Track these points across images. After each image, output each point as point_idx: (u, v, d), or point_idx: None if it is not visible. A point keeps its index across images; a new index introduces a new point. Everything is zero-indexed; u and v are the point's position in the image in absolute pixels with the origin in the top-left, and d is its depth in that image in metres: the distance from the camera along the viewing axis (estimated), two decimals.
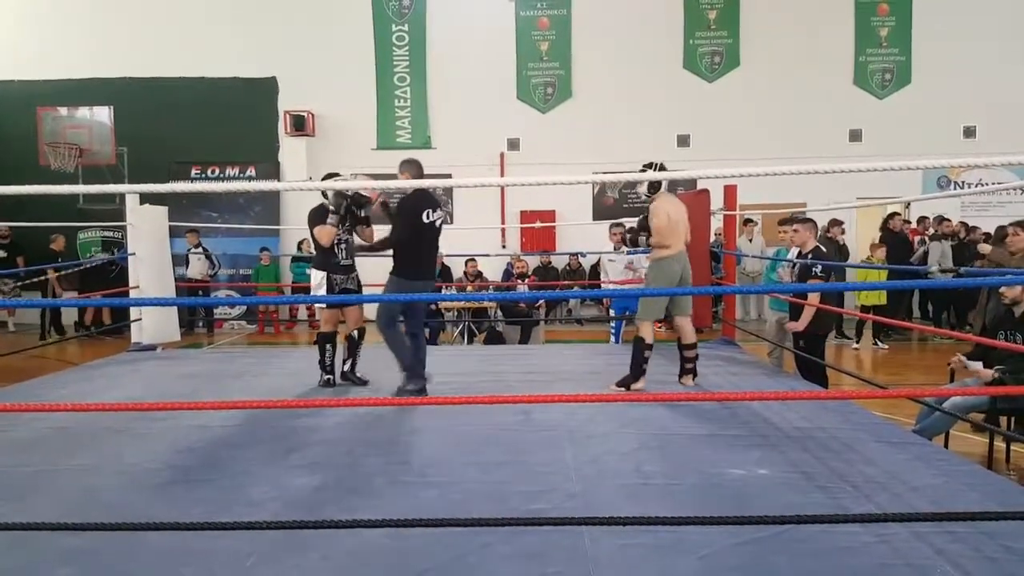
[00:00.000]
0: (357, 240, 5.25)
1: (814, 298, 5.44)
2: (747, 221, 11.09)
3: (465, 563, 2.56)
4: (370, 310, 5.36)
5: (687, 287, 5.07)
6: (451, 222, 12.40)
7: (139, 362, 6.62)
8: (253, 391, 5.34)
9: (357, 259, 5.30)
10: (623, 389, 5.00)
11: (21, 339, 9.84)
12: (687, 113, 12.55)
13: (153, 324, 7.17)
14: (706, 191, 6.67)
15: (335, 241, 5.05)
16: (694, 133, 12.61)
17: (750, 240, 11.28)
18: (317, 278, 5.13)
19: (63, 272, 11.06)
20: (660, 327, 10.47)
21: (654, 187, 5.06)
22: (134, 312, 7.48)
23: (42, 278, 10.80)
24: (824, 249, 5.82)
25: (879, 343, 9.51)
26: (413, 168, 4.85)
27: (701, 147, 12.40)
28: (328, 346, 5.26)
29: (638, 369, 4.99)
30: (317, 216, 5.06)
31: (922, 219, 11.46)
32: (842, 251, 9.98)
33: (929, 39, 12.44)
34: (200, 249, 11.50)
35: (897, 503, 3.02)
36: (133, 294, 7.09)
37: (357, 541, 2.70)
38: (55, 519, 2.73)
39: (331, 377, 5.29)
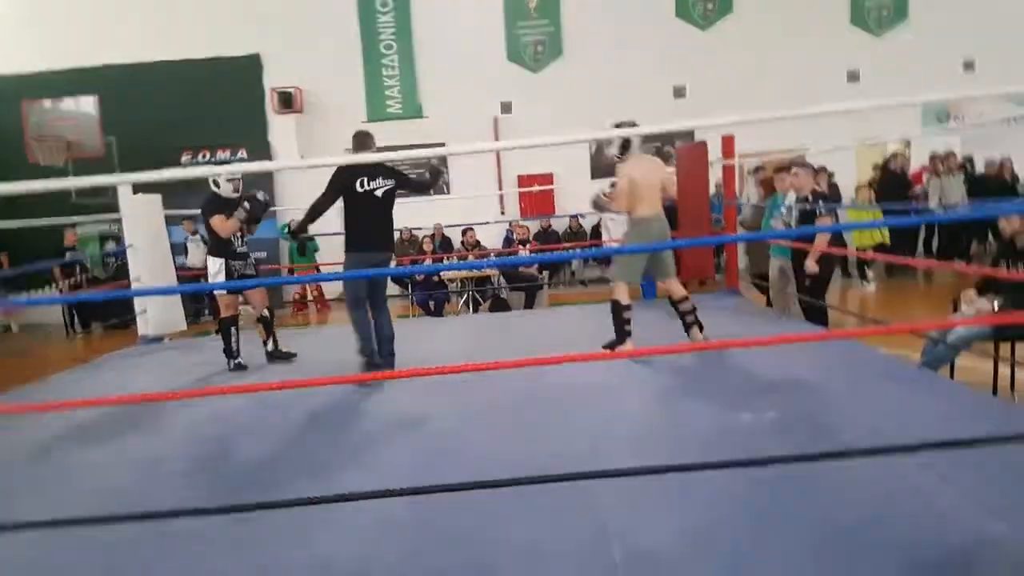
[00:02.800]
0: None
1: (822, 239, 5.38)
2: (756, 169, 10.91)
3: (480, 525, 2.58)
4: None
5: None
6: (447, 192, 12.33)
7: (147, 355, 6.62)
8: (264, 375, 5.34)
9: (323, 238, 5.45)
10: (609, 350, 4.93)
11: (28, 340, 9.85)
12: (682, 64, 12.33)
13: (158, 315, 7.10)
14: (704, 143, 6.60)
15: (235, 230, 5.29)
16: (690, 84, 12.40)
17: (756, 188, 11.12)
18: (215, 265, 5.33)
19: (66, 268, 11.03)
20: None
21: (624, 148, 4.93)
22: (138, 304, 7.42)
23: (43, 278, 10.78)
24: (820, 190, 5.77)
25: (865, 282, 9.48)
26: (354, 141, 4.78)
27: (698, 98, 12.20)
28: (233, 330, 5.44)
29: (622, 331, 4.90)
30: (213, 206, 5.24)
31: (933, 157, 11.29)
32: (832, 197, 9.90)
33: None
34: (197, 236, 11.46)
35: (904, 435, 3.02)
36: (135, 287, 7.07)
37: (377, 512, 2.73)
38: (76, 514, 2.76)
39: (240, 360, 5.44)
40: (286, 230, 5.28)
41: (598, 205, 5.17)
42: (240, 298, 5.60)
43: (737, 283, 7.19)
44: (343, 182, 4.61)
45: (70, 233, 11.32)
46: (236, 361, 5.44)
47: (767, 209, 6.48)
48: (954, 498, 2.48)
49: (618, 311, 4.89)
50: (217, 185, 5.28)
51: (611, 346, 4.93)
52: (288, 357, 5.58)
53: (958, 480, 2.58)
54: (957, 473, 2.63)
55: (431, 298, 9.44)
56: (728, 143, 6.94)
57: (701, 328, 5.05)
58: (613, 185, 5.11)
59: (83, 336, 10.66)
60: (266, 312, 5.55)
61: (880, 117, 10.94)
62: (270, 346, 5.59)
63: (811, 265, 5.41)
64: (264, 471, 3.33)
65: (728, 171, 7.13)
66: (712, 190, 7.38)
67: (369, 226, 4.70)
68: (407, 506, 2.75)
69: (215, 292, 5.76)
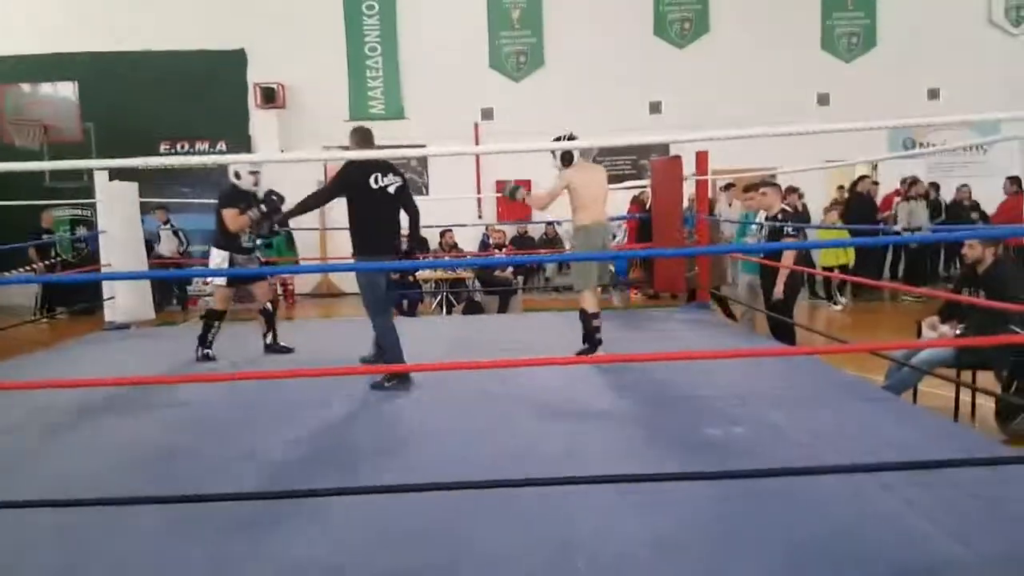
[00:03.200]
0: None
1: (788, 259, 5.52)
2: (728, 186, 11.13)
3: (451, 526, 2.61)
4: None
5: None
6: (427, 193, 12.38)
7: (113, 341, 6.58)
8: (232, 365, 5.31)
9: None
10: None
11: None
12: (658, 80, 12.54)
13: (127, 302, 7.09)
14: (678, 157, 6.75)
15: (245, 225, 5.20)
16: (665, 100, 12.61)
17: (729, 205, 11.36)
18: (219, 257, 5.24)
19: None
20: (636, 293, 10.68)
21: (566, 159, 4.99)
22: (107, 291, 7.37)
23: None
24: (789, 210, 5.94)
25: (833, 304, 9.71)
26: (356, 136, 4.45)
27: (673, 113, 12.41)
28: (216, 323, 5.43)
29: (592, 339, 4.96)
30: (229, 198, 5.14)
31: (904, 180, 11.59)
32: (801, 216, 10.15)
33: (894, 2, 12.53)
34: (169, 226, 11.38)
35: (868, 456, 3.09)
36: (104, 272, 7.04)
37: (344, 510, 2.74)
38: (38, 497, 2.78)
39: (209, 352, 5.41)
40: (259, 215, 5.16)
41: (513, 195, 5.20)
42: (232, 294, 5.60)
43: (708, 297, 7.34)
44: (354, 178, 4.32)
45: (47, 215, 11.19)
46: (205, 352, 5.40)
47: (739, 226, 6.65)
48: (917, 519, 2.53)
49: (587, 320, 4.96)
50: (238, 176, 5.16)
51: (584, 354, 4.98)
52: (285, 351, 5.54)
53: (920, 501, 2.64)
54: (920, 494, 2.69)
55: (404, 297, 9.46)
56: (702, 159, 7.10)
57: (594, 348, 5.03)
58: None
59: (48, 320, 10.49)
60: (268, 305, 5.55)
61: (848, 141, 11.20)
62: (269, 339, 5.57)
63: (779, 291, 5.55)
64: (225, 463, 3.32)
65: (702, 186, 7.29)
66: (685, 204, 7.53)
67: (382, 226, 4.41)
68: (373, 505, 2.77)
69: (214, 283, 5.67)
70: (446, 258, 9.77)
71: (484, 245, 11.20)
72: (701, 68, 12.46)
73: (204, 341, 5.42)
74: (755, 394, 4.11)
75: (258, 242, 5.47)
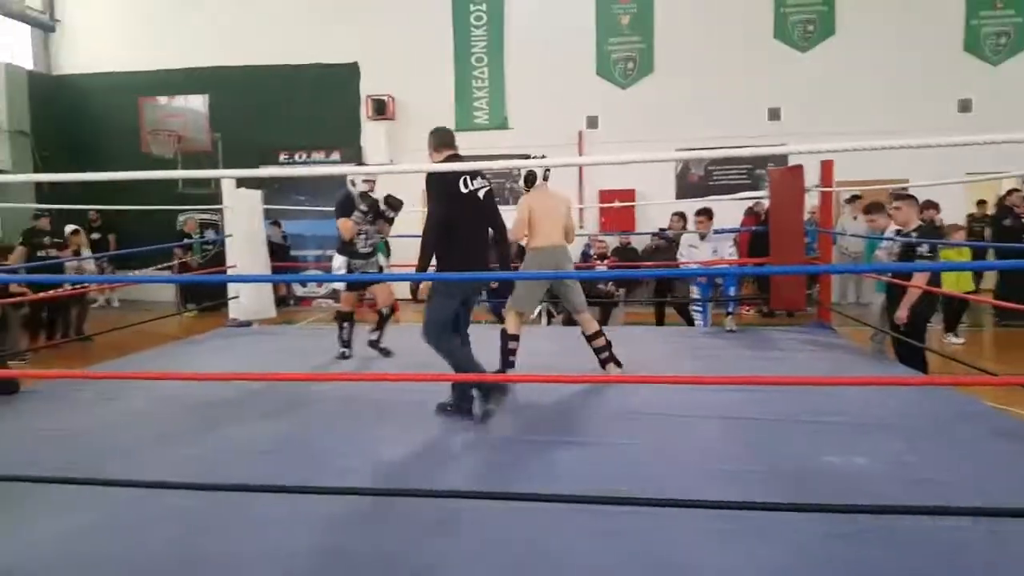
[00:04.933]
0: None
1: (919, 280, 5.07)
2: (852, 198, 10.46)
3: (545, 540, 2.54)
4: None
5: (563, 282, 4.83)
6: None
7: (236, 337, 7.04)
8: (345, 364, 5.57)
9: None
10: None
11: (134, 316, 10.38)
12: (778, 85, 11.96)
13: (250, 301, 7.52)
14: (800, 167, 6.34)
15: (356, 232, 5.36)
16: (785, 106, 12.01)
17: (854, 218, 10.68)
18: (338, 262, 5.49)
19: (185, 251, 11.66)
20: (749, 310, 10.19)
21: (529, 180, 4.91)
22: (231, 290, 7.88)
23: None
24: (927, 227, 5.46)
25: (953, 336, 8.43)
26: (435, 138, 4.08)
27: (793, 121, 11.79)
28: (346, 324, 5.70)
29: (506, 360, 4.73)
30: (342, 208, 5.28)
31: None
32: (939, 233, 9.33)
33: None
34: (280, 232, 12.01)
35: (1008, 498, 2.77)
36: (230, 273, 7.54)
37: (442, 510, 2.75)
38: (164, 480, 2.92)
39: (347, 351, 5.67)
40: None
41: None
42: (358, 296, 5.90)
43: (829, 317, 6.86)
44: (447, 183, 3.84)
45: (190, 221, 12.00)
46: (343, 351, 5.68)
47: (867, 242, 6.17)
48: None
49: (505, 341, 4.77)
50: (354, 184, 5.34)
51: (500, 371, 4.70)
52: (385, 353, 5.71)
53: None
54: None
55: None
56: (827, 169, 6.66)
57: (618, 364, 4.87)
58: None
59: (192, 314, 11.23)
60: (386, 309, 5.77)
61: (993, 152, 10.30)
62: (375, 336, 5.77)
63: (901, 315, 5.10)
64: (331, 457, 3.42)
65: (826, 199, 6.84)
66: (806, 216, 7.10)
67: (472, 237, 3.93)
68: (468, 509, 2.76)
69: (337, 287, 6.09)
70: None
71: (586, 256, 11.01)
72: (825, 73, 11.79)
73: (341, 341, 5.70)
74: (881, 423, 3.79)
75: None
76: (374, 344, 5.76)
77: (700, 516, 2.62)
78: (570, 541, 2.53)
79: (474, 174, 3.95)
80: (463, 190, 3.87)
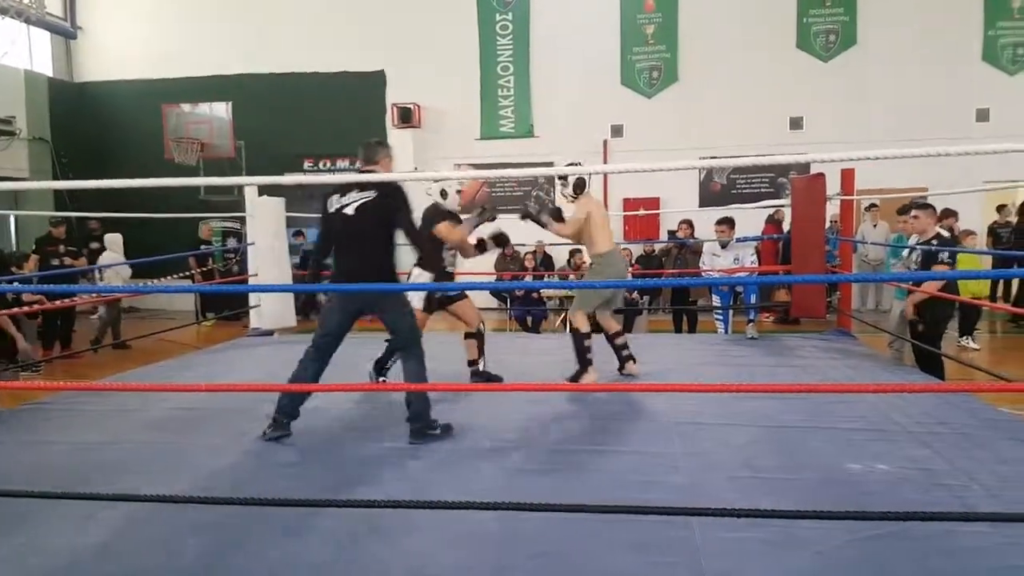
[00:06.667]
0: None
1: (931, 285, 5.15)
2: (871, 206, 10.49)
3: (573, 549, 2.58)
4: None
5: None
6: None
7: (257, 347, 6.97)
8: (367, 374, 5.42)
9: None
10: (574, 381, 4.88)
11: (154, 324, 10.54)
12: (800, 95, 12.00)
13: (271, 310, 7.45)
14: (821, 175, 6.39)
15: (446, 247, 4.71)
16: (807, 115, 12.04)
17: (874, 226, 10.70)
18: (424, 277, 4.66)
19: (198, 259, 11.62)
20: (768, 318, 10.20)
21: (579, 187, 5.02)
22: (252, 299, 7.81)
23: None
24: (946, 236, 5.50)
25: (969, 340, 8.45)
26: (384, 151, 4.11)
27: (815, 130, 11.83)
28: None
29: (584, 360, 4.89)
30: (438, 214, 4.68)
31: None
32: (956, 242, 9.29)
33: None
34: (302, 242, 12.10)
35: None
36: (252, 282, 7.38)
37: (468, 523, 2.76)
38: (186, 494, 2.95)
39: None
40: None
41: (534, 217, 5.07)
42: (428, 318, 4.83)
43: (849, 324, 6.89)
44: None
45: (206, 227, 11.87)
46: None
47: (888, 250, 6.21)
48: None
49: (580, 340, 4.91)
50: (444, 196, 4.72)
51: (575, 377, 4.89)
52: (495, 379, 4.97)
53: None
54: None
55: (529, 314, 9.52)
56: (848, 177, 6.69)
57: (634, 361, 5.12)
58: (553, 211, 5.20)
59: (207, 324, 11.26)
60: (481, 327, 5.03)
61: (1011, 161, 10.27)
62: (481, 365, 4.99)
63: (908, 311, 5.26)
64: (360, 468, 3.44)
65: (846, 207, 6.88)
66: (827, 224, 7.13)
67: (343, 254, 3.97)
68: (496, 521, 2.78)
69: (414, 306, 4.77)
70: (571, 278, 9.73)
71: None
72: (847, 82, 11.83)
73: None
74: (902, 430, 3.83)
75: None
76: (481, 373, 5.00)
77: (724, 524, 2.66)
78: (598, 551, 2.55)
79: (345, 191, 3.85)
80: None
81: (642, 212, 11.40)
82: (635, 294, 9.16)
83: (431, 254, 4.58)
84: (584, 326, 4.94)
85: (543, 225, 5.04)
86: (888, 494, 2.98)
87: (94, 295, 8.44)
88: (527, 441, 3.84)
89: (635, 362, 5.15)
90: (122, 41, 13.99)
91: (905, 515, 2.63)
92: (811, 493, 3.02)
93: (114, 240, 9.72)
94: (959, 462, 3.33)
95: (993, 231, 10.61)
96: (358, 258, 3.81)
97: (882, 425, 3.90)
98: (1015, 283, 10.30)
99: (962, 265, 8.12)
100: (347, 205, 3.79)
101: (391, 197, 3.78)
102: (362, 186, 3.83)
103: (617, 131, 12.58)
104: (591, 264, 5.15)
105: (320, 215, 3.93)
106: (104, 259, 9.40)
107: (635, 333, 8.61)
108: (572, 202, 5.09)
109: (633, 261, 10.10)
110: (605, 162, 12.21)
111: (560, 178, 5.18)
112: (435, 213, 4.71)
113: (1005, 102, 11.49)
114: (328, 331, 3.88)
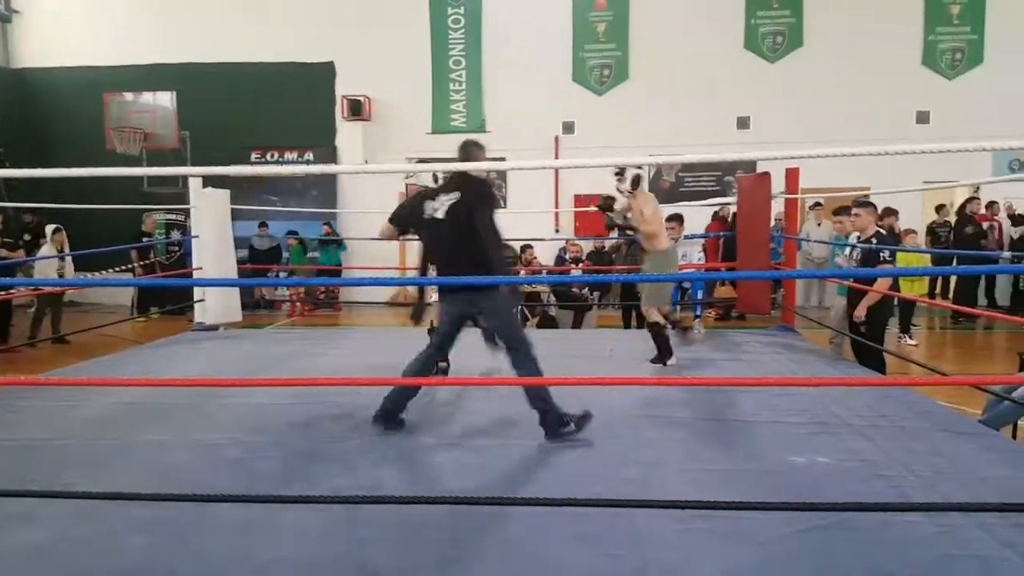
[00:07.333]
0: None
1: (881, 284, 5.28)
2: (815, 204, 10.79)
3: (520, 543, 2.58)
4: None
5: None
6: (504, 206, 12.42)
7: (202, 341, 6.82)
8: (314, 370, 5.42)
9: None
10: (660, 364, 5.34)
11: (93, 318, 10.21)
12: (747, 95, 12.24)
13: (216, 305, 7.32)
14: (767, 174, 6.53)
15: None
16: (754, 115, 12.30)
17: (818, 224, 10.98)
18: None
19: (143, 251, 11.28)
20: (712, 314, 10.40)
21: (636, 183, 5.31)
22: (197, 293, 7.66)
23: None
24: (885, 233, 5.68)
25: (907, 337, 8.72)
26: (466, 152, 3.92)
27: (761, 129, 12.10)
28: None
29: (667, 347, 5.34)
30: (492, 198, 4.21)
31: (991, 204, 11.11)
32: (897, 240, 9.64)
33: (1003, 16, 11.90)
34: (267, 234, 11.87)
35: (962, 493, 2.92)
36: (196, 275, 7.30)
37: (414, 516, 2.76)
38: (129, 491, 2.86)
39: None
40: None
41: (616, 221, 5.55)
42: None
43: (793, 320, 7.06)
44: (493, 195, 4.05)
45: (149, 220, 11.64)
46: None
47: (832, 247, 6.38)
48: (1017, 566, 2.36)
49: (659, 331, 5.31)
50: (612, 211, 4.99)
51: (660, 360, 5.33)
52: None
53: (1020, 544, 2.47)
54: (1018, 537, 2.51)
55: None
56: (792, 176, 6.85)
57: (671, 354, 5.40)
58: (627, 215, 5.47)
59: (144, 319, 10.97)
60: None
61: (948, 161, 10.68)
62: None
63: (859, 313, 5.38)
64: (303, 464, 3.39)
65: (791, 205, 7.04)
66: (772, 222, 7.30)
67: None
68: (442, 514, 2.78)
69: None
70: (521, 273, 9.74)
71: (561, 260, 11.14)
72: (793, 83, 12.11)
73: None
74: (843, 422, 3.93)
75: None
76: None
77: (670, 516, 2.70)
78: (545, 545, 2.56)
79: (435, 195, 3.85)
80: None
81: (593, 208, 11.47)
82: (585, 289, 9.21)
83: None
84: (659, 318, 5.35)
85: (631, 229, 5.51)
86: (830, 486, 3.05)
87: (30, 288, 8.18)
88: (475, 435, 3.83)
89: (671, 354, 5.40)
90: (61, 26, 13.49)
91: (843, 505, 2.72)
92: (755, 485, 3.08)
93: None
94: (897, 454, 3.43)
95: (932, 230, 11.01)
96: (454, 260, 3.79)
97: (824, 418, 3.99)
98: (952, 280, 10.71)
99: (902, 263, 8.43)
100: (438, 209, 3.77)
101: (473, 194, 3.77)
102: (447, 188, 3.82)
103: (568, 127, 12.65)
104: (653, 259, 5.39)
105: (409, 215, 3.96)
106: (43, 252, 9.08)
107: (584, 328, 8.70)
108: (629, 197, 5.36)
109: (583, 257, 10.17)
110: (556, 158, 12.26)
111: (616, 173, 5.30)
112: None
113: (944, 105, 11.92)
114: (443, 332, 3.97)
